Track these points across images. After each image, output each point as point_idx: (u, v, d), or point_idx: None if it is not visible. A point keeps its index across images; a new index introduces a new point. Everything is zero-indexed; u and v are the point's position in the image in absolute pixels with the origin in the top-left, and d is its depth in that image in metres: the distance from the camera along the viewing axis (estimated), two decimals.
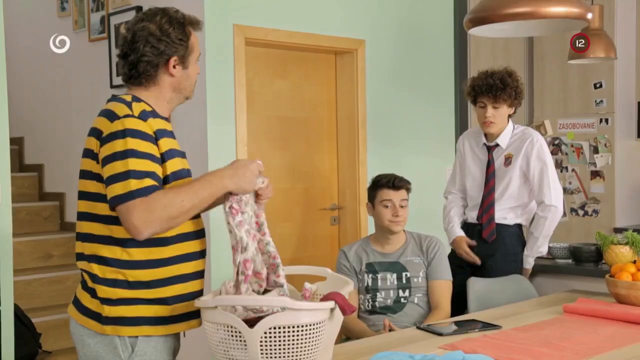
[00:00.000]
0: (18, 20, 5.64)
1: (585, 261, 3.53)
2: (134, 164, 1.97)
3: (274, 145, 4.47)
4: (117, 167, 1.98)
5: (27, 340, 3.96)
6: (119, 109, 2.05)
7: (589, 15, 2.77)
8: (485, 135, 3.57)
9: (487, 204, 3.52)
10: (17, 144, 5.60)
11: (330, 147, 4.78)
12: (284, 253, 4.52)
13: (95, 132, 2.07)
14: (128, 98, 2.11)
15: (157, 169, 2.02)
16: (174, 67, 2.16)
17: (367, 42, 4.72)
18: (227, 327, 1.90)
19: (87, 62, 4.91)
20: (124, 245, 2.04)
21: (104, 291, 2.06)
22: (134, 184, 1.95)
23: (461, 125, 5.28)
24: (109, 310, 2.06)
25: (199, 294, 2.18)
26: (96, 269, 2.07)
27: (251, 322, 1.88)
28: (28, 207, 5.16)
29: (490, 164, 3.53)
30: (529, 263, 3.52)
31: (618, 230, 4.71)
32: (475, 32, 2.96)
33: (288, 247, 4.53)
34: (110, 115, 2.04)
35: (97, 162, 2.04)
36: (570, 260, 3.64)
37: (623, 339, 2.46)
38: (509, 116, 3.52)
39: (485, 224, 3.52)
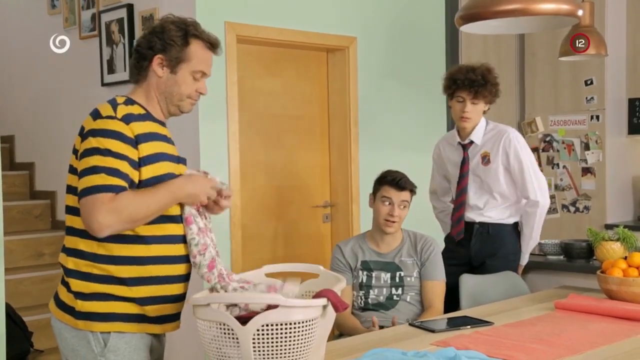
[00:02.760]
0: (8, 19, 5.62)
1: (576, 257, 3.54)
2: (106, 161, 2.01)
3: (265, 142, 4.47)
4: (89, 162, 2.02)
5: (18, 339, 3.95)
6: (105, 109, 2.09)
7: (580, 12, 2.78)
8: (459, 134, 3.57)
9: (458, 203, 3.53)
10: (7, 142, 5.58)
11: (322, 145, 4.78)
12: (276, 251, 4.53)
13: (80, 130, 2.12)
14: (120, 100, 2.14)
15: (129, 170, 2.04)
16: (160, 66, 2.16)
17: (359, 39, 4.72)
18: (220, 324, 1.90)
19: (78, 59, 4.90)
20: (100, 240, 2.06)
21: (77, 284, 2.08)
22: (99, 179, 1.99)
23: (452, 122, 5.28)
24: (82, 305, 2.08)
25: (177, 298, 2.19)
26: (70, 262, 2.10)
27: (243, 320, 1.88)
28: (19, 206, 5.14)
29: (464, 163, 3.53)
30: (524, 259, 3.54)
31: (609, 227, 4.73)
32: (466, 29, 2.96)
33: (280, 244, 4.53)
34: (95, 114, 2.10)
35: (76, 158, 2.09)
36: (561, 257, 3.65)
37: (614, 334, 2.47)
38: (483, 112, 3.52)
39: (454, 223, 3.53)
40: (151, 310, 2.12)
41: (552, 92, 5.23)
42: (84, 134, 2.08)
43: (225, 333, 1.89)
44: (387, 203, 3.19)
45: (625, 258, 3.01)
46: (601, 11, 4.86)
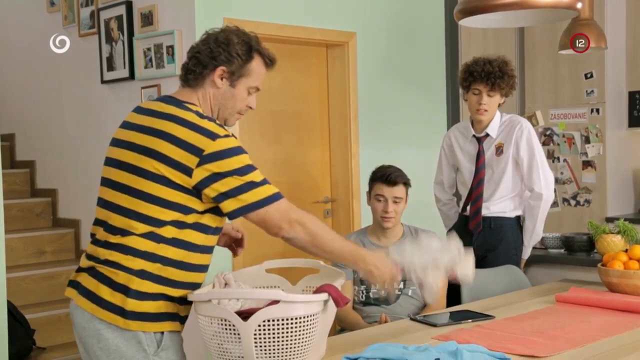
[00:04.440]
0: (7, 17, 5.62)
1: (577, 251, 3.54)
2: (256, 175, 2.07)
3: (266, 139, 4.47)
4: (241, 180, 2.04)
5: (20, 337, 3.95)
6: (216, 129, 2.06)
7: (579, 5, 2.77)
8: (473, 126, 3.56)
9: (475, 196, 3.52)
10: (8, 141, 5.58)
11: (323, 140, 4.77)
12: (277, 247, 4.51)
13: (192, 149, 2.02)
14: (205, 120, 2.09)
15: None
16: (220, 77, 2.17)
17: (359, 34, 4.72)
18: (221, 320, 1.90)
19: (78, 57, 4.90)
20: (159, 241, 2.05)
21: (133, 283, 2.04)
22: (270, 189, 2.08)
23: (453, 117, 5.29)
24: (136, 305, 2.03)
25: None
26: (121, 257, 2.05)
27: (245, 315, 1.89)
28: (20, 204, 5.14)
29: (480, 155, 3.52)
30: (527, 253, 3.54)
31: (610, 220, 4.72)
32: (465, 22, 2.96)
33: (281, 240, 4.53)
34: (210, 135, 2.04)
35: (178, 171, 2.02)
36: (562, 250, 3.65)
37: (615, 327, 2.47)
38: (498, 105, 3.51)
39: (472, 216, 3.52)
40: (184, 310, 2.14)
41: (552, 85, 5.23)
42: (205, 155, 2.01)
43: (226, 329, 1.90)
44: (380, 200, 3.18)
45: (626, 251, 3.01)
46: (601, 3, 4.85)
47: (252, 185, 2.05)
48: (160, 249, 2.05)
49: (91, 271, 2.10)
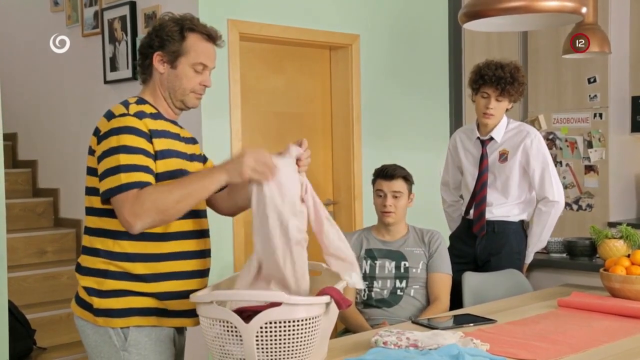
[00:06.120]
0: (11, 16, 5.62)
1: (579, 255, 3.54)
2: (124, 159, 2.02)
3: (268, 140, 4.47)
4: (109, 162, 2.03)
5: (21, 337, 3.95)
6: (117, 109, 2.13)
7: (584, 10, 2.77)
8: (479, 129, 3.56)
9: (479, 199, 3.51)
10: (10, 140, 5.57)
11: (325, 142, 4.77)
12: None
13: (95, 131, 2.14)
14: (132, 100, 2.18)
15: (149, 163, 2.06)
16: (160, 62, 2.19)
17: (362, 37, 4.72)
18: (223, 322, 1.90)
19: (81, 57, 4.90)
20: (116, 238, 2.09)
21: (93, 282, 2.11)
22: (123, 178, 2.00)
23: (455, 120, 5.28)
24: (99, 302, 2.10)
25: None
26: (87, 260, 2.14)
27: (247, 314, 1.88)
28: (22, 203, 5.14)
29: (483, 159, 3.52)
30: (529, 258, 3.53)
31: (612, 225, 4.72)
32: (469, 26, 2.95)
33: None
34: (109, 115, 2.13)
35: (95, 158, 2.11)
36: (564, 255, 3.65)
37: (617, 332, 2.47)
38: (506, 110, 3.51)
39: (476, 219, 3.51)
40: (172, 304, 2.14)
41: (555, 89, 5.22)
42: (100, 136, 2.10)
43: (228, 331, 1.89)
44: (380, 195, 3.20)
45: (629, 256, 3.00)
46: (605, 8, 4.85)
47: (116, 169, 2.00)
48: (102, 243, 2.11)
49: None
